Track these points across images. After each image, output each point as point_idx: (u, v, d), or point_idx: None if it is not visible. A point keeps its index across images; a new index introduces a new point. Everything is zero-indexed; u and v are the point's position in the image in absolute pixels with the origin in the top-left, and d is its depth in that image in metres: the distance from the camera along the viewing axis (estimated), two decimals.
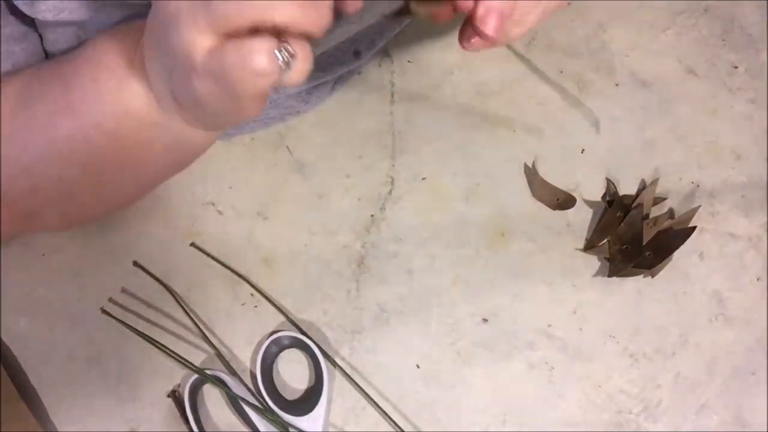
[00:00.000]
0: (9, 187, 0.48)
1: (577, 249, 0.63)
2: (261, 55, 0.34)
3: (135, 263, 0.62)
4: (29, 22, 0.48)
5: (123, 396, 0.59)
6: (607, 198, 0.64)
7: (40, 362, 0.59)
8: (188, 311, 0.60)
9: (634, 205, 0.62)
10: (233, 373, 0.59)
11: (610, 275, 0.62)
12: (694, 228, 0.62)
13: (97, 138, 0.45)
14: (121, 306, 0.61)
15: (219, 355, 0.60)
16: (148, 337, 0.59)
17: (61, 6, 0.44)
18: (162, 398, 0.59)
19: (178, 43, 0.36)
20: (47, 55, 0.51)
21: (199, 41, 0.35)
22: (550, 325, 0.61)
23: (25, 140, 0.46)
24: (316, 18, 0.34)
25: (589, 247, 0.63)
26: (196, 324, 0.60)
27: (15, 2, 0.44)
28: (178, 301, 0.60)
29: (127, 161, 0.47)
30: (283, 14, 0.34)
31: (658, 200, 0.64)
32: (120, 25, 0.45)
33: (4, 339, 0.59)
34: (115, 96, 0.43)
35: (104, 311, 0.59)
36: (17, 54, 0.48)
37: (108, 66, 0.43)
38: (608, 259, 0.62)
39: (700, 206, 0.63)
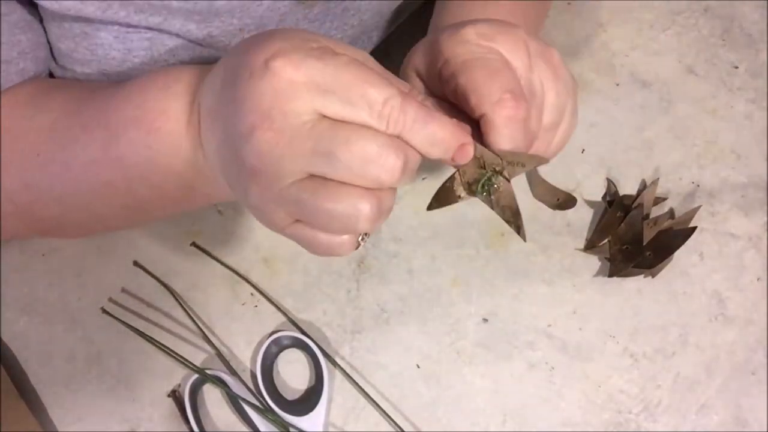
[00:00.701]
0: (37, 210, 0.48)
1: (577, 249, 0.63)
2: (346, 247, 0.36)
3: (135, 263, 0.62)
4: (34, 12, 0.48)
5: (123, 396, 0.59)
6: (607, 198, 0.64)
7: (40, 362, 0.59)
8: (188, 311, 0.60)
9: (634, 205, 0.62)
10: (233, 373, 0.59)
11: (610, 275, 0.62)
12: (694, 228, 0.62)
13: (140, 188, 0.44)
14: (121, 306, 0.61)
15: (219, 355, 0.60)
16: (148, 336, 0.59)
17: (66, 4, 0.44)
18: (162, 398, 0.59)
19: (260, 212, 0.36)
20: (51, 49, 0.51)
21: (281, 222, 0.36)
22: (550, 325, 0.61)
23: (61, 177, 0.46)
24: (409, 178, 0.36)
25: (589, 247, 0.63)
26: (196, 324, 0.60)
27: None
28: (178, 301, 0.60)
29: (165, 204, 0.47)
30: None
31: (658, 200, 0.64)
32: (170, 75, 0.43)
33: (4, 339, 0.59)
34: (168, 159, 0.42)
35: (104, 311, 0.59)
36: (23, 43, 0.48)
37: (163, 130, 0.42)
38: (608, 259, 0.62)
39: (700, 206, 0.63)
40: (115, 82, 0.48)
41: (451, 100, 0.40)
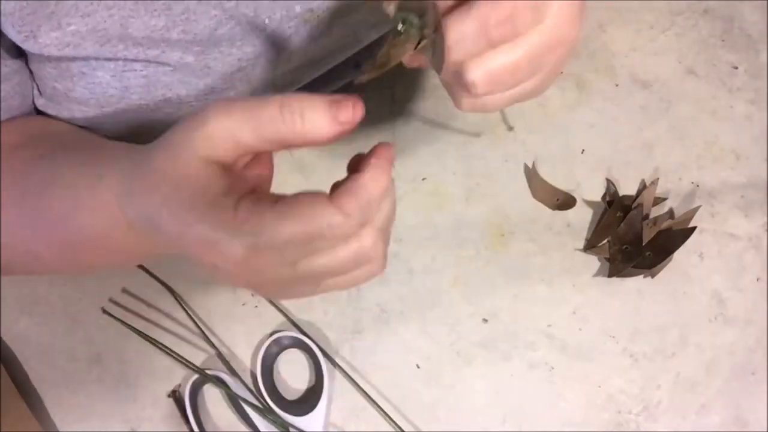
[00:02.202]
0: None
1: (577, 249, 0.63)
2: (380, 265, 0.38)
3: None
4: (12, 61, 0.48)
5: (123, 396, 0.59)
6: (607, 198, 0.64)
7: (40, 362, 0.59)
8: (189, 311, 0.60)
9: (633, 205, 0.62)
10: (233, 373, 0.59)
11: (610, 275, 0.62)
12: (693, 228, 0.62)
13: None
14: (121, 306, 0.61)
15: (219, 355, 0.60)
16: (149, 337, 0.59)
17: (65, 40, 0.44)
18: (162, 398, 0.59)
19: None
20: (40, 89, 0.51)
21: None
22: (550, 326, 0.61)
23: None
24: None
25: (589, 247, 0.63)
26: (196, 324, 0.60)
27: (14, 39, 0.43)
28: (179, 302, 0.60)
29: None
30: None
31: (658, 200, 0.64)
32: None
33: (5, 339, 0.59)
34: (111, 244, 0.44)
35: (105, 311, 0.59)
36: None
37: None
38: (608, 260, 0.62)
39: (700, 206, 0.63)
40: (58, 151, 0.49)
41: None
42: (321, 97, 0.35)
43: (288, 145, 0.35)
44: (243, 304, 0.61)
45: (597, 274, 0.62)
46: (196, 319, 0.60)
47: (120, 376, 0.59)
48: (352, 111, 0.35)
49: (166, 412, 0.58)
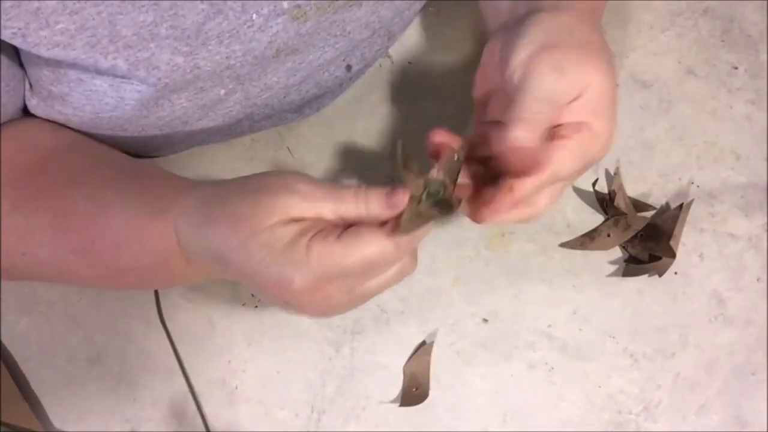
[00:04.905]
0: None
1: (576, 249, 0.63)
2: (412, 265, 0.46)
3: None
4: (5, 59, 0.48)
5: (123, 396, 0.59)
6: (607, 198, 0.64)
7: (40, 362, 0.59)
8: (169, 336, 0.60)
9: (615, 203, 0.62)
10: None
11: (624, 275, 0.62)
12: (681, 205, 0.62)
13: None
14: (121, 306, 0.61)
15: (191, 390, 0.60)
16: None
17: (54, 39, 0.44)
18: (162, 398, 0.59)
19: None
20: (33, 88, 0.51)
21: None
22: (550, 326, 0.61)
23: (49, 276, 0.53)
24: None
25: (579, 244, 0.62)
26: (176, 354, 0.60)
27: (3, 36, 0.43)
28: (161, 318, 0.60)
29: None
30: None
31: (647, 207, 0.64)
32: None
33: (4, 339, 0.59)
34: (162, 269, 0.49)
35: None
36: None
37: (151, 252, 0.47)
38: (626, 261, 0.62)
39: (693, 200, 0.63)
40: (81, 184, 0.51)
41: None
42: (381, 188, 0.42)
43: (355, 222, 0.43)
44: (243, 304, 0.61)
45: (597, 275, 0.62)
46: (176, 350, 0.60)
47: (120, 375, 0.59)
48: (401, 197, 0.42)
49: (166, 412, 0.58)
